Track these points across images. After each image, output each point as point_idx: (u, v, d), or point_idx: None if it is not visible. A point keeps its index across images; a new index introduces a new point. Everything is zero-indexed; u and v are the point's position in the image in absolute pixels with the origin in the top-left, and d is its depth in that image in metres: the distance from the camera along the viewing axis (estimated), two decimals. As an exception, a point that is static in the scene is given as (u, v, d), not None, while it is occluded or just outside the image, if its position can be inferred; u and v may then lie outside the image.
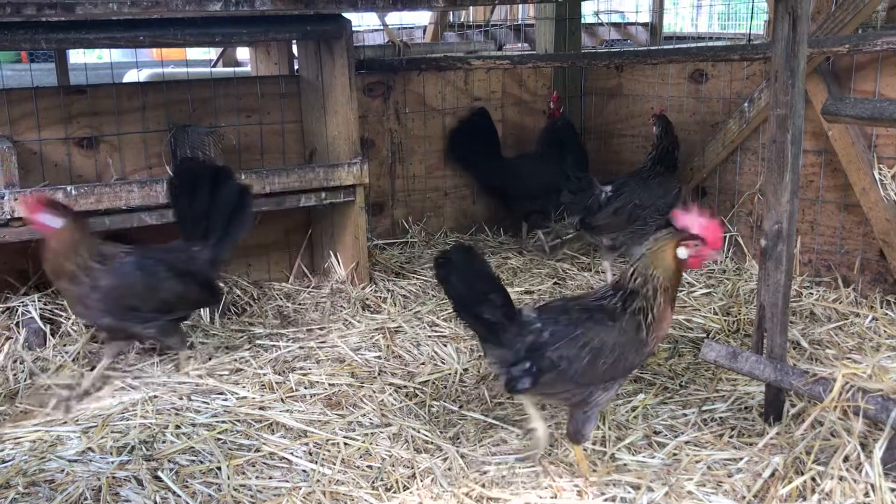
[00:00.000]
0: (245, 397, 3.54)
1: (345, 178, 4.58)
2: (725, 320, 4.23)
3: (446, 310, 4.42)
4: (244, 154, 4.94)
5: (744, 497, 2.78)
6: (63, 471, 2.96)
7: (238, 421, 3.33)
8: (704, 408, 3.40)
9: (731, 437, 3.16)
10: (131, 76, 7.35)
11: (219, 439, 3.19)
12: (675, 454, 3.07)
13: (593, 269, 5.18)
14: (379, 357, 3.95)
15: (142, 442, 3.15)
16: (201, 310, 4.31)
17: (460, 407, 3.48)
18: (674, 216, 2.89)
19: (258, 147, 5.00)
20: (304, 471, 3.01)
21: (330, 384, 3.66)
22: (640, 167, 4.93)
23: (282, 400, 3.52)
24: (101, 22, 3.81)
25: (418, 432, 3.24)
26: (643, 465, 3.01)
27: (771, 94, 3.01)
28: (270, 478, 2.97)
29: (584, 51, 6.53)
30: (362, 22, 7.80)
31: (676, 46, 6.09)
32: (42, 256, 3.51)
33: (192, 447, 3.12)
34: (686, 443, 3.14)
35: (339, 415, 3.41)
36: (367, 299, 4.62)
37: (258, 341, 4.12)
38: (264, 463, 3.06)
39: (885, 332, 4.02)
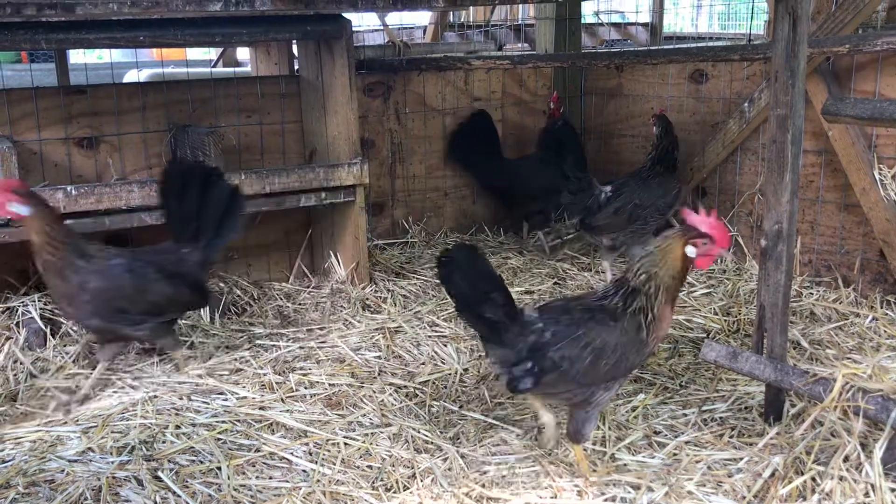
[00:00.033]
0: (245, 397, 3.54)
1: (345, 178, 4.58)
2: (725, 320, 4.23)
3: (446, 310, 4.42)
4: (244, 154, 4.94)
5: (744, 497, 2.78)
6: (63, 471, 2.96)
7: (238, 421, 3.33)
8: (704, 408, 3.40)
9: (731, 437, 3.16)
10: (131, 76, 7.35)
11: (219, 439, 3.19)
12: (675, 454, 3.07)
13: (593, 270, 5.18)
14: (379, 357, 3.95)
15: (142, 442, 3.15)
16: (202, 310, 4.31)
17: (460, 407, 3.48)
18: (682, 215, 2.89)
19: (258, 147, 5.00)
20: (304, 471, 3.01)
21: (330, 384, 3.66)
22: (639, 167, 4.93)
23: (282, 400, 3.52)
24: (102, 22, 3.80)
25: (418, 432, 3.24)
26: (643, 465, 3.01)
27: (771, 94, 3.01)
28: (270, 478, 2.97)
29: (584, 51, 6.53)
30: (362, 22, 7.82)
31: (676, 46, 6.09)
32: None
33: (192, 447, 3.12)
34: (686, 443, 3.14)
35: (339, 415, 3.41)
36: (367, 299, 4.62)
37: (258, 341, 4.12)
38: (264, 463, 3.06)
39: (885, 332, 4.02)
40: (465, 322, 3.02)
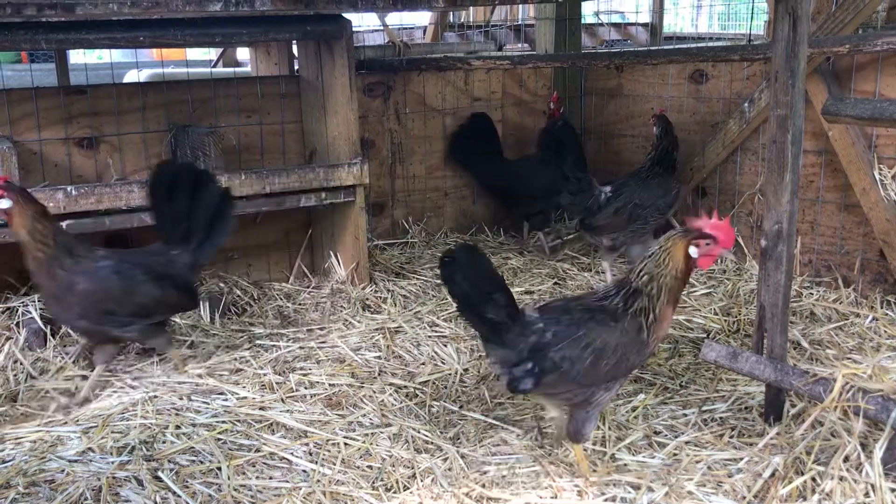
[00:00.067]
0: (245, 397, 3.54)
1: (345, 178, 4.58)
2: (726, 320, 4.23)
3: (446, 310, 4.42)
4: (244, 154, 4.94)
5: (744, 497, 2.78)
6: (63, 471, 2.96)
7: (238, 421, 3.33)
8: (704, 408, 3.40)
9: (731, 437, 3.16)
10: (131, 76, 7.35)
11: (219, 439, 3.19)
12: (675, 454, 3.07)
13: (593, 270, 5.18)
14: (379, 357, 3.95)
15: (142, 442, 3.14)
16: (202, 310, 4.31)
17: (460, 407, 3.48)
18: (686, 221, 2.90)
19: (258, 147, 5.00)
20: (304, 471, 3.01)
21: (330, 384, 3.66)
22: (638, 167, 4.94)
23: (282, 400, 3.52)
24: (102, 22, 3.80)
25: (418, 432, 3.24)
26: (643, 466, 3.01)
27: (771, 95, 3.01)
28: (270, 478, 2.97)
29: (584, 51, 6.53)
30: (362, 22, 7.82)
31: (676, 47, 6.10)
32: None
33: (193, 447, 3.12)
34: (686, 443, 3.14)
35: (339, 415, 3.41)
36: (367, 299, 4.62)
37: (258, 341, 4.12)
38: (264, 463, 3.06)
39: (885, 332, 4.02)
40: (467, 322, 3.02)
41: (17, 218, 3.38)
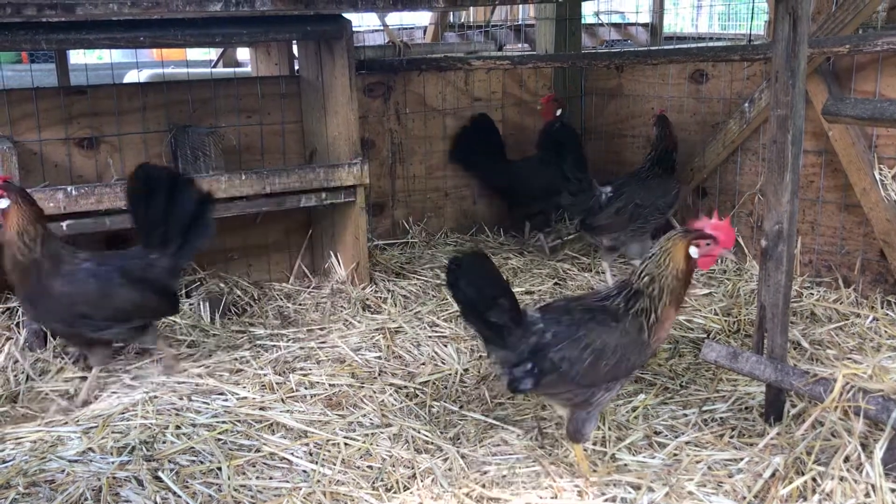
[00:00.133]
0: (245, 397, 3.54)
1: (345, 178, 4.58)
2: (726, 321, 4.23)
3: (447, 310, 4.42)
4: (244, 154, 4.94)
5: (744, 497, 2.78)
6: (63, 471, 2.96)
7: (238, 421, 3.33)
8: (705, 408, 3.39)
9: (731, 437, 3.16)
10: (131, 77, 7.35)
11: (219, 439, 3.19)
12: (675, 454, 3.07)
13: (594, 270, 5.18)
14: (379, 357, 3.95)
15: (142, 442, 3.14)
16: (202, 310, 4.31)
17: (461, 407, 3.48)
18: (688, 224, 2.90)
19: (258, 147, 5.00)
20: (304, 471, 3.01)
21: (330, 384, 3.66)
22: (638, 168, 4.94)
23: (282, 400, 3.52)
24: (102, 22, 3.80)
25: (419, 433, 3.24)
26: (643, 466, 3.01)
27: (771, 95, 3.01)
28: (271, 478, 2.97)
29: (584, 51, 6.53)
30: (362, 22, 7.82)
31: (677, 47, 6.10)
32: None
33: (193, 447, 3.12)
34: (686, 443, 3.14)
35: (339, 415, 3.41)
36: (367, 300, 4.62)
37: (258, 341, 4.12)
38: (265, 463, 3.06)
39: (885, 332, 4.02)
40: (471, 326, 3.01)
41: (12, 218, 3.37)
